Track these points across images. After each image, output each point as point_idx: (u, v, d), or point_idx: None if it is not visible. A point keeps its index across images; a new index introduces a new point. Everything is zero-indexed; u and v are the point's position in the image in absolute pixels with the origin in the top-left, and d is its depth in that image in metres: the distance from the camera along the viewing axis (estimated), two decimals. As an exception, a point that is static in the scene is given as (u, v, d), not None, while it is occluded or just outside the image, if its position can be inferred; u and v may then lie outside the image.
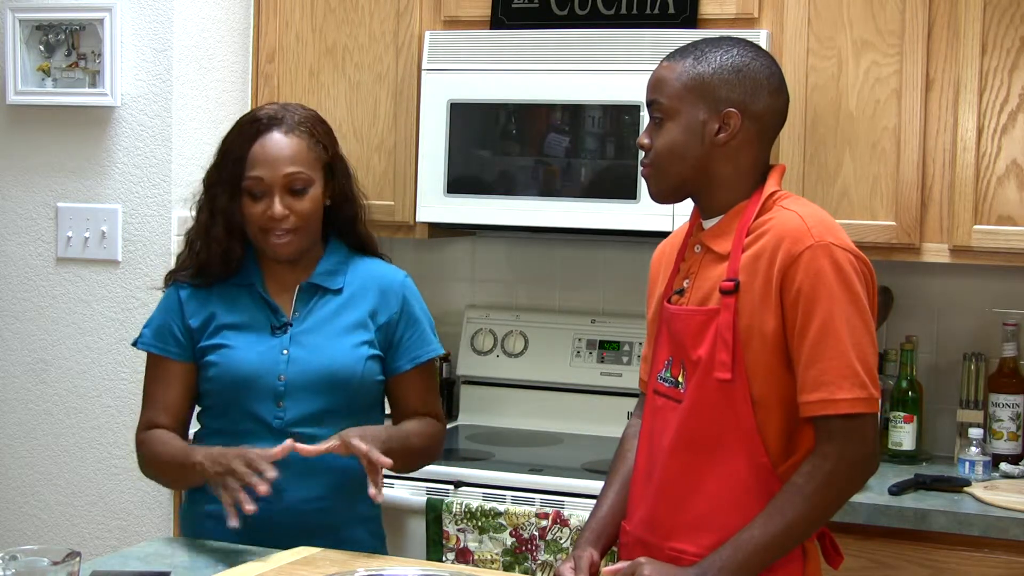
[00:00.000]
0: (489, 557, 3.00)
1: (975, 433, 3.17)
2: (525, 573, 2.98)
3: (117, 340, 3.44)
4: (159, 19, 3.40)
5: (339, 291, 2.53)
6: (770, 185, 2.17)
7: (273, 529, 2.42)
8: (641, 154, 2.20)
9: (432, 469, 3.04)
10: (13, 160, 3.54)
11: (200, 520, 2.53)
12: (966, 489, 2.96)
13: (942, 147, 3.10)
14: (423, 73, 3.42)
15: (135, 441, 2.54)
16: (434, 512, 3.05)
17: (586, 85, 3.26)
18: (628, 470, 2.29)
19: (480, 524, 3.01)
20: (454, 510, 3.03)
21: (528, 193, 3.32)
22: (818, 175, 3.18)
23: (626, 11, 3.31)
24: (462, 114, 3.37)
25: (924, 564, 2.82)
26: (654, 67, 2.20)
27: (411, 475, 3.02)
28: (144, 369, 2.57)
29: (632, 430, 2.36)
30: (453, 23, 3.46)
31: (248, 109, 3.35)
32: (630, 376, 3.49)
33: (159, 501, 3.42)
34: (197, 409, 2.58)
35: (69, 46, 3.46)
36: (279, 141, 2.46)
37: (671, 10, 3.26)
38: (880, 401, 2.14)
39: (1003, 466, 3.17)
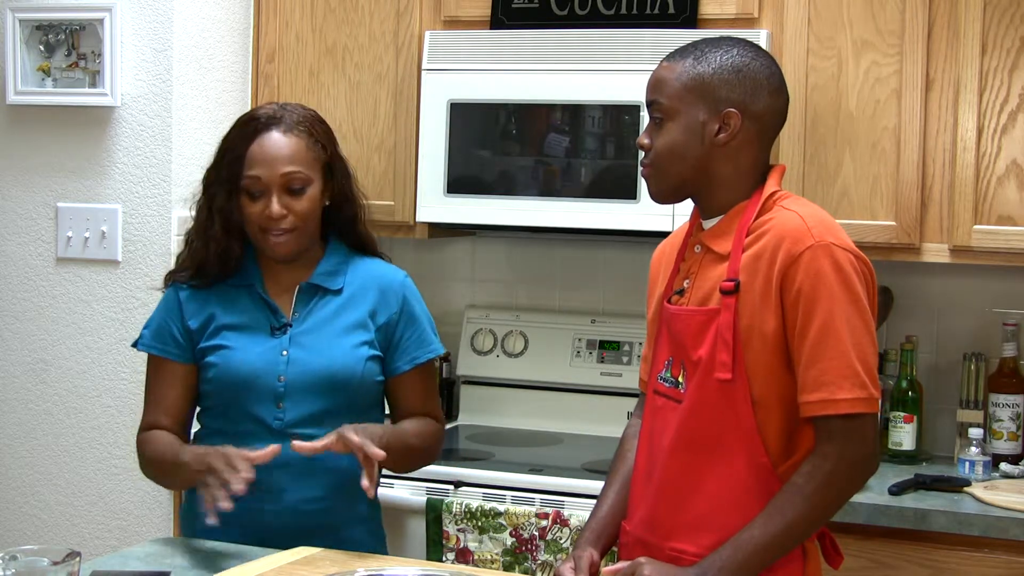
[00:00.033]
0: (489, 557, 3.00)
1: (975, 433, 3.17)
2: (525, 573, 2.98)
3: (117, 340, 3.44)
4: (159, 19, 3.40)
5: (339, 291, 2.53)
6: (770, 185, 2.17)
7: (273, 529, 2.42)
8: (641, 154, 2.20)
9: (432, 469, 3.04)
10: (13, 160, 3.54)
11: (200, 520, 2.52)
12: (966, 489, 2.96)
13: (942, 147, 3.10)
14: (423, 73, 3.42)
15: (136, 441, 2.54)
16: (434, 512, 3.05)
17: (586, 85, 3.26)
18: (628, 470, 2.29)
19: (480, 524, 3.01)
20: (454, 510, 3.03)
21: (528, 193, 3.32)
22: (818, 175, 3.18)
23: (626, 11, 3.31)
24: (462, 114, 3.37)
25: (924, 564, 2.82)
26: (654, 67, 2.20)
27: (411, 475, 3.02)
28: (145, 370, 2.58)
29: (632, 430, 2.36)
30: (453, 23, 3.46)
31: (248, 109, 3.34)
32: (630, 376, 3.49)
33: (159, 501, 3.42)
34: (198, 410, 2.58)
35: (69, 46, 3.46)
36: (277, 140, 2.45)
37: (671, 10, 3.26)
38: (880, 401, 2.14)
39: (1003, 466, 3.17)
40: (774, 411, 2.08)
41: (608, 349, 3.62)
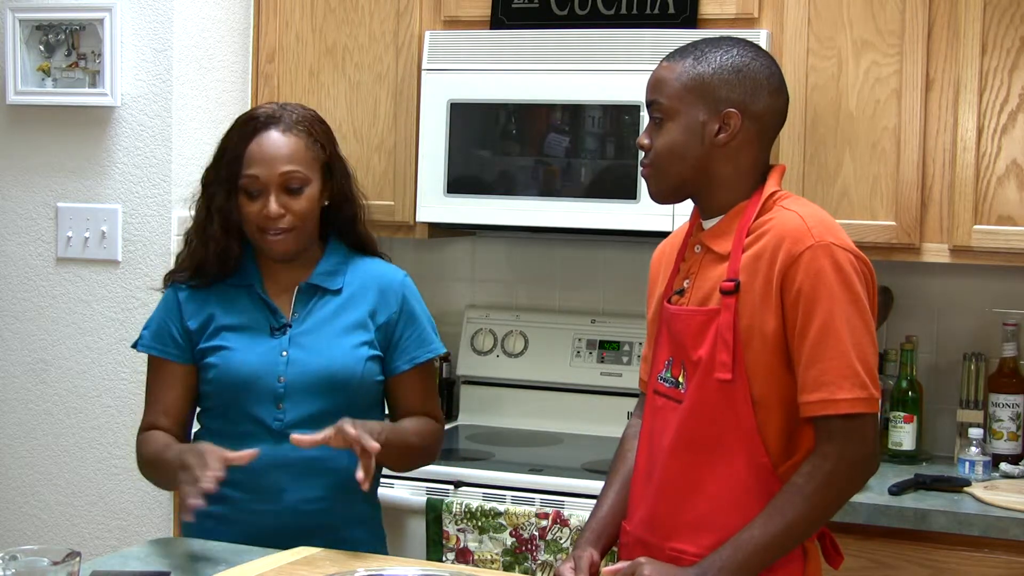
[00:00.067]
0: (489, 557, 3.00)
1: (975, 433, 3.17)
2: (525, 573, 2.98)
3: (117, 340, 3.44)
4: (159, 19, 3.40)
5: (338, 291, 2.53)
6: (770, 185, 2.17)
7: (273, 529, 2.42)
8: (641, 154, 2.20)
9: (432, 469, 3.04)
10: (13, 160, 3.54)
11: (200, 520, 2.52)
12: (966, 489, 2.96)
13: (942, 147, 3.10)
14: (423, 73, 3.42)
15: (135, 442, 2.54)
16: (434, 512, 3.05)
17: (586, 85, 3.26)
18: (628, 470, 2.29)
19: (480, 524, 3.01)
20: (454, 510, 3.03)
21: (528, 193, 3.32)
22: (818, 175, 3.18)
23: (626, 11, 3.31)
24: (462, 114, 3.37)
25: (924, 564, 2.82)
26: (654, 67, 2.20)
27: (411, 475, 3.02)
28: (145, 370, 2.58)
29: (632, 430, 2.36)
30: (453, 23, 3.46)
31: (248, 109, 3.34)
32: (630, 376, 3.49)
33: (159, 501, 3.42)
34: (198, 410, 2.58)
35: (69, 46, 3.46)
36: (276, 140, 2.45)
37: (671, 10, 3.26)
38: (880, 401, 2.14)
39: (1003, 466, 3.17)
40: (774, 411, 2.08)
41: (608, 349, 3.62)
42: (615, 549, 2.28)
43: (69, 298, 3.50)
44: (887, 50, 3.12)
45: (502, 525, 3.00)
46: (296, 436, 2.32)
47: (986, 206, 3.06)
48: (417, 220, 3.45)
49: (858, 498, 2.83)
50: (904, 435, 3.23)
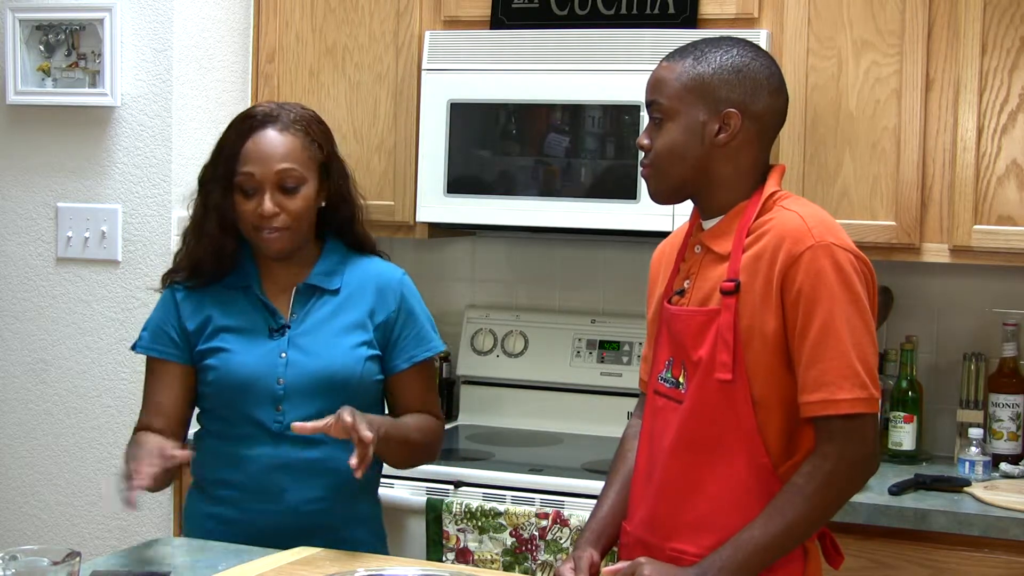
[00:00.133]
0: (489, 557, 3.00)
1: (975, 433, 3.17)
2: (525, 573, 2.98)
3: (117, 340, 3.44)
4: (159, 19, 3.40)
5: (336, 291, 2.53)
6: (770, 185, 2.17)
7: (273, 529, 2.42)
8: (641, 154, 2.20)
9: (432, 469, 3.04)
10: (13, 160, 3.54)
11: (200, 520, 2.53)
12: (966, 489, 2.96)
13: (942, 147, 3.10)
14: (423, 73, 3.42)
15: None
16: (434, 512, 3.05)
17: (586, 85, 3.26)
18: (628, 470, 2.29)
19: (480, 524, 3.01)
20: (454, 510, 3.03)
21: (528, 193, 3.32)
22: (818, 175, 3.18)
23: (626, 11, 3.31)
24: (462, 114, 3.37)
25: (924, 564, 2.82)
26: (654, 67, 2.20)
27: (411, 475, 3.03)
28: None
29: (632, 430, 2.36)
30: (453, 23, 3.46)
31: (247, 108, 3.36)
32: (630, 376, 3.49)
33: (159, 501, 3.42)
34: (198, 411, 2.58)
35: (69, 46, 3.46)
36: (273, 138, 2.45)
37: (671, 10, 3.26)
38: (880, 401, 2.14)
39: (1003, 466, 3.17)
40: (774, 411, 2.08)
41: (608, 349, 3.62)
42: (615, 549, 2.28)
43: (69, 298, 3.50)
44: (887, 50, 3.12)
45: (502, 525, 3.00)
46: (297, 424, 2.32)
47: (986, 206, 3.06)
48: (417, 220, 3.45)
49: (858, 498, 2.83)
50: (904, 435, 3.23)
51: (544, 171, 3.32)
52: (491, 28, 3.40)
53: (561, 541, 2.95)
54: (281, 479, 2.44)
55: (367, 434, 2.26)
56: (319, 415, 2.42)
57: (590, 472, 3.13)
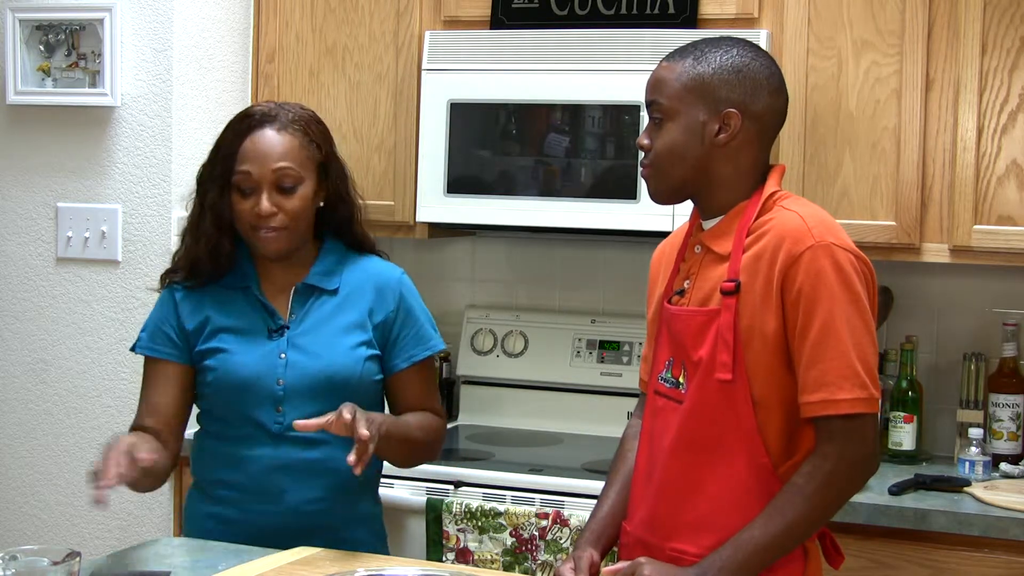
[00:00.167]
0: (489, 557, 3.00)
1: (975, 433, 3.17)
2: (525, 573, 2.98)
3: (117, 340, 3.44)
4: (159, 19, 3.40)
5: (335, 291, 2.52)
6: (770, 185, 2.17)
7: (273, 529, 2.42)
8: (641, 154, 2.20)
9: (432, 469, 3.04)
10: (13, 160, 3.54)
11: (200, 520, 2.53)
12: (966, 489, 2.96)
13: (942, 147, 3.10)
14: (423, 73, 3.42)
15: None
16: (434, 512, 3.05)
17: (586, 85, 3.26)
18: (628, 470, 2.29)
19: (480, 524, 3.01)
20: (454, 510, 3.03)
21: (528, 193, 3.32)
22: (818, 175, 3.18)
23: (626, 11, 3.31)
24: (462, 114, 3.37)
25: (924, 564, 2.82)
26: (654, 67, 2.20)
27: (411, 475, 3.03)
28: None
29: (632, 430, 2.36)
30: (453, 23, 3.46)
31: (247, 108, 3.36)
32: (630, 376, 3.49)
33: (159, 501, 3.42)
34: (198, 411, 2.58)
35: (69, 46, 3.46)
36: (271, 138, 2.44)
37: (671, 10, 3.26)
38: (880, 401, 2.14)
39: (1003, 466, 3.17)
40: (775, 411, 2.08)
41: (608, 349, 3.62)
42: (615, 549, 2.28)
43: (69, 298, 3.50)
44: (887, 50, 3.12)
45: (502, 525, 3.00)
46: (299, 422, 2.32)
47: (986, 206, 3.06)
48: (417, 220, 3.45)
49: (858, 498, 2.83)
50: (904, 435, 3.23)
51: (544, 171, 3.32)
52: (491, 28, 3.40)
53: (561, 541, 2.95)
54: (281, 480, 2.44)
55: (364, 432, 2.26)
56: (319, 416, 2.42)
57: (590, 472, 3.13)
